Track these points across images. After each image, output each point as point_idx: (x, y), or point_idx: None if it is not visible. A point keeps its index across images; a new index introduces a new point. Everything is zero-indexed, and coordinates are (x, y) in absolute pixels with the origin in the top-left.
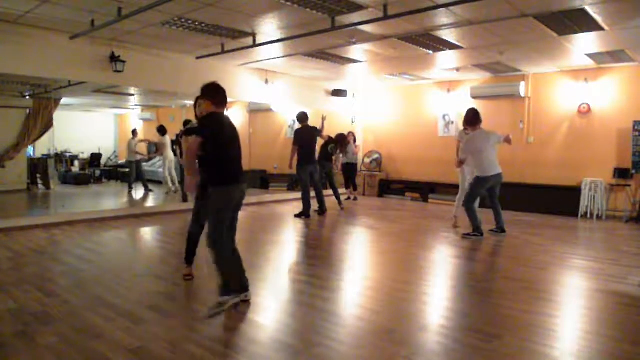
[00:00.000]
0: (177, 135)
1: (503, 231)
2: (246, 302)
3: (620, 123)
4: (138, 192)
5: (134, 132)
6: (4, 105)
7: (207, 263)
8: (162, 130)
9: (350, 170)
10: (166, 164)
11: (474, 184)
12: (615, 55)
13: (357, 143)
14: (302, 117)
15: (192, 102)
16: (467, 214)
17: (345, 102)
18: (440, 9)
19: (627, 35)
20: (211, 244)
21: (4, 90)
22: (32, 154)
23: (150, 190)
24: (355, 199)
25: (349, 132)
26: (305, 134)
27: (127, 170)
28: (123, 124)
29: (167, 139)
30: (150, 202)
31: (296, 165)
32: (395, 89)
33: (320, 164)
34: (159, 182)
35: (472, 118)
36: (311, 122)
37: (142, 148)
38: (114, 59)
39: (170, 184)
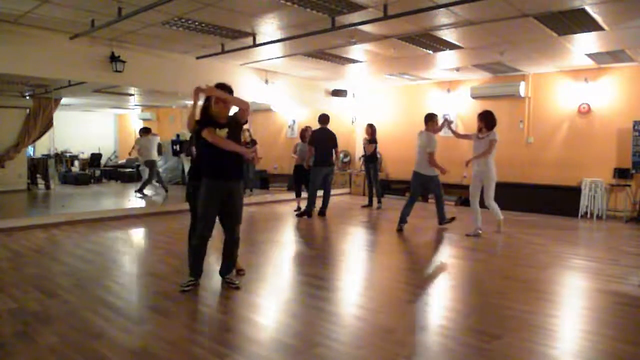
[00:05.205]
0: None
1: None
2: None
3: (620, 123)
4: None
5: (148, 130)
6: (4, 105)
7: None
8: (147, 131)
9: None
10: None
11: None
12: (615, 55)
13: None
14: (321, 119)
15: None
16: (494, 208)
17: (345, 102)
18: (440, 9)
19: (627, 35)
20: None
21: (4, 90)
22: (32, 154)
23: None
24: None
25: None
26: (321, 136)
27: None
28: (123, 124)
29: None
30: (150, 202)
31: (312, 166)
32: (395, 89)
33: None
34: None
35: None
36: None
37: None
38: (114, 59)
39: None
